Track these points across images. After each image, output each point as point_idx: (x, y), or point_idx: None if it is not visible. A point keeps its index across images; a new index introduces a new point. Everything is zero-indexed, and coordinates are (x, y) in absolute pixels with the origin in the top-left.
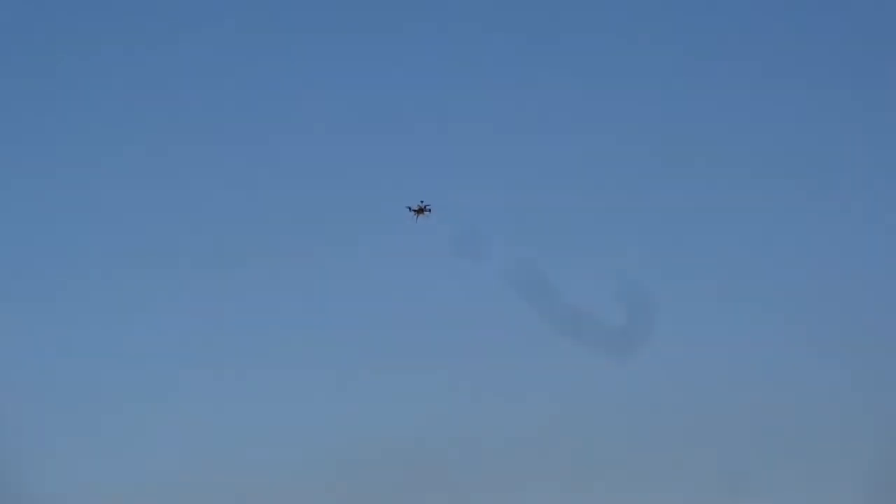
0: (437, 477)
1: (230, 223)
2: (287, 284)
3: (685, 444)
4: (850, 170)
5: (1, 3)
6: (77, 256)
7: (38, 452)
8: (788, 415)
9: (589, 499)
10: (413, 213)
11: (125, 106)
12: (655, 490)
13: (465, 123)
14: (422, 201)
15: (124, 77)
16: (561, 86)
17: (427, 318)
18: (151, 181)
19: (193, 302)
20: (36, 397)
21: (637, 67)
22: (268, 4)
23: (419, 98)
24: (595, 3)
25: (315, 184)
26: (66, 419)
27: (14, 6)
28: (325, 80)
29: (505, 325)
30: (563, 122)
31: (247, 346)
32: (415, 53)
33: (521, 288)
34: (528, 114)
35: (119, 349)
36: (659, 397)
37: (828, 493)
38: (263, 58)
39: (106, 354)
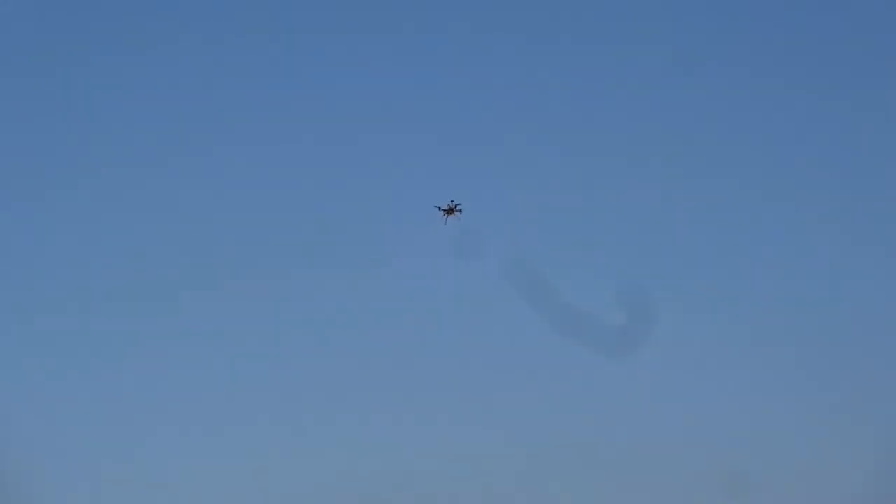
0: (435, 476)
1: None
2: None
3: (685, 444)
4: (850, 171)
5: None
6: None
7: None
8: (788, 414)
9: (589, 498)
10: (442, 212)
11: (122, 110)
12: (655, 490)
13: (466, 124)
14: (452, 201)
15: (122, 81)
16: (561, 85)
17: (427, 317)
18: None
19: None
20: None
21: (638, 68)
22: (268, 5)
23: (419, 98)
24: (596, 4)
25: (315, 185)
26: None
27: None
28: (325, 81)
29: (504, 325)
30: (563, 122)
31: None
32: (415, 54)
33: (521, 288)
34: (529, 114)
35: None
36: (659, 397)
37: (828, 493)
38: (262, 60)
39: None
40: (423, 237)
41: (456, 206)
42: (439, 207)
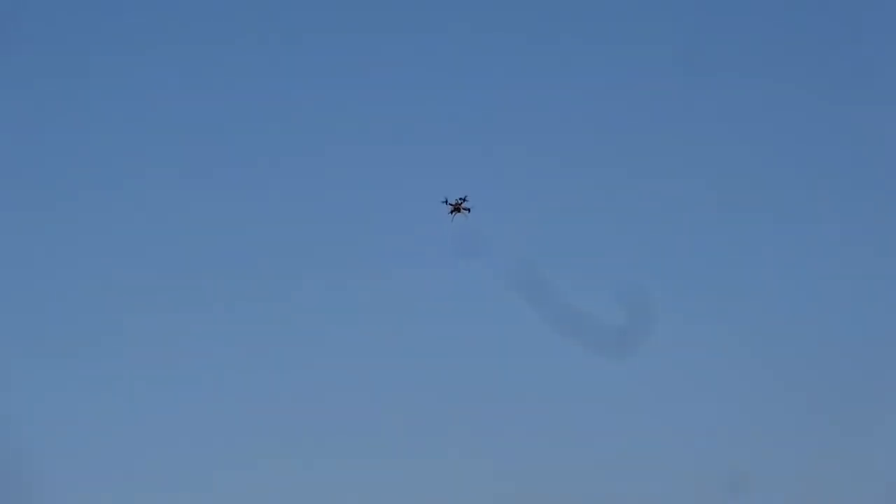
0: (435, 476)
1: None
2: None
3: (685, 445)
4: (850, 172)
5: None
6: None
7: None
8: (788, 415)
9: (589, 498)
10: (449, 207)
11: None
12: (655, 490)
13: (466, 125)
14: (461, 197)
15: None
16: (562, 87)
17: (426, 317)
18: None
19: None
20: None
21: (639, 69)
22: (266, 8)
23: (421, 100)
24: (597, 5)
25: (317, 186)
26: None
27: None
28: (327, 83)
29: (504, 325)
30: (564, 123)
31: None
32: (417, 56)
33: (521, 288)
34: (530, 115)
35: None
36: (659, 397)
37: (828, 493)
38: (261, 63)
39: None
40: (425, 237)
41: (463, 203)
42: (446, 201)
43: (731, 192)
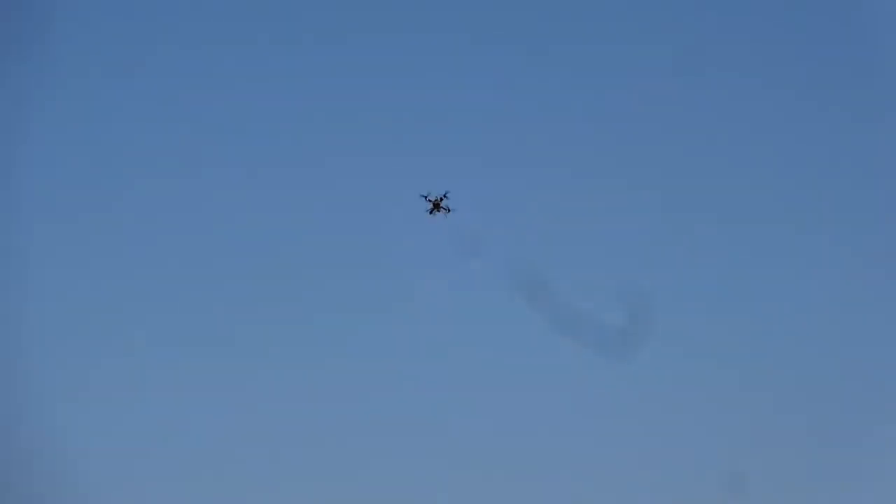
0: (435, 476)
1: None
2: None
3: (685, 445)
4: (851, 172)
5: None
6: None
7: None
8: (788, 414)
9: (588, 498)
10: (429, 204)
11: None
12: (655, 490)
13: (466, 124)
14: (443, 194)
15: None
16: (561, 86)
17: (426, 316)
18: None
19: None
20: None
21: (639, 69)
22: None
23: (419, 99)
24: (598, 5)
25: (318, 186)
26: None
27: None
28: (326, 82)
29: (504, 325)
30: (563, 123)
31: None
32: (416, 54)
33: (521, 288)
34: (529, 115)
35: None
36: (658, 398)
37: (828, 493)
38: (260, 68)
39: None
40: (423, 237)
41: (443, 201)
42: (426, 197)
43: (732, 192)
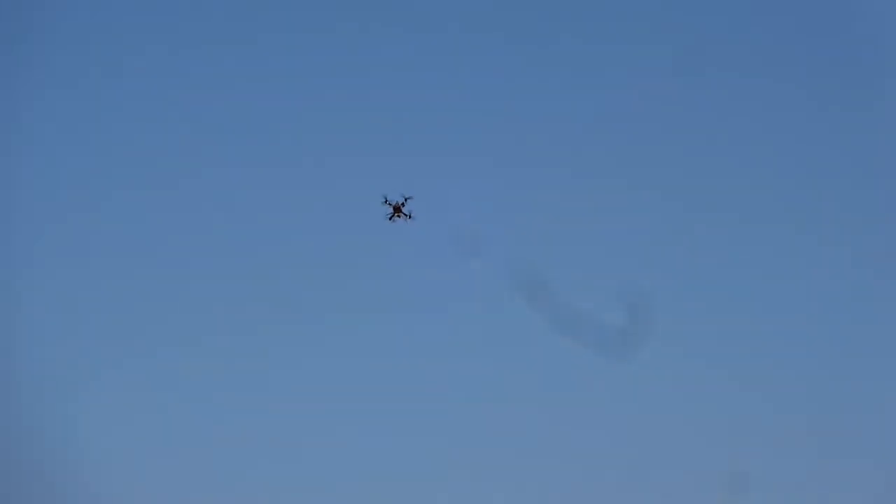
0: (435, 476)
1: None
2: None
3: (685, 444)
4: (851, 172)
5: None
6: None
7: None
8: (788, 414)
9: (588, 499)
10: (389, 208)
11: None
12: (655, 490)
13: (465, 124)
14: (406, 197)
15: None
16: (560, 84)
17: (426, 316)
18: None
19: None
20: None
21: (638, 68)
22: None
23: (418, 98)
24: (597, 5)
25: (317, 185)
26: None
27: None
28: (326, 82)
29: (503, 325)
30: (563, 122)
31: None
32: (414, 52)
33: (520, 288)
34: (528, 114)
35: None
36: (658, 397)
37: (828, 493)
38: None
39: None
40: (422, 237)
41: (404, 205)
42: (386, 200)
43: (732, 192)
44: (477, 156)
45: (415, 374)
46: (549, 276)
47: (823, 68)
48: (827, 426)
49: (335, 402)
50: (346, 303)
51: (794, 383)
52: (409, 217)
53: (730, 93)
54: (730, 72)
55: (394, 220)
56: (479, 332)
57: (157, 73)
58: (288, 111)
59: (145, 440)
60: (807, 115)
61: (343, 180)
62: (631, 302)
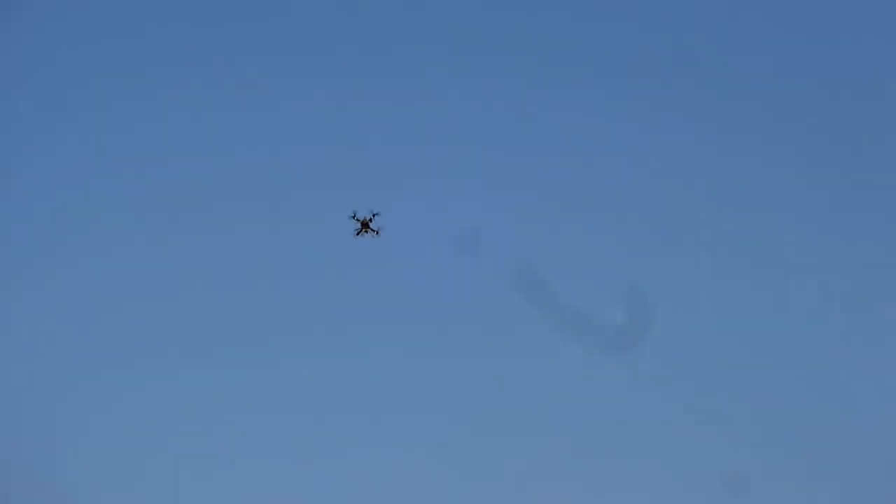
0: (436, 476)
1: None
2: None
3: (685, 444)
4: (851, 171)
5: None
6: None
7: None
8: (788, 414)
9: (588, 499)
10: (356, 224)
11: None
12: (655, 490)
13: (464, 123)
14: (372, 214)
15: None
16: (560, 86)
17: (426, 316)
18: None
19: None
20: None
21: (637, 68)
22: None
23: (419, 98)
24: (596, 5)
25: (316, 184)
26: None
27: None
28: (326, 82)
29: (503, 325)
30: (563, 121)
31: None
32: (414, 53)
33: (521, 287)
34: (528, 113)
35: None
36: (658, 397)
37: (828, 493)
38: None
39: None
40: (425, 237)
41: (371, 222)
42: (354, 216)
43: (732, 192)
44: (476, 155)
45: (414, 373)
46: (549, 275)
47: (825, 68)
48: (827, 426)
49: (334, 402)
50: (345, 302)
51: (794, 382)
52: (377, 233)
53: (729, 93)
54: (729, 72)
55: (361, 236)
56: (479, 332)
57: (152, 72)
58: (288, 111)
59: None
60: (807, 116)
61: (342, 179)
62: (631, 301)
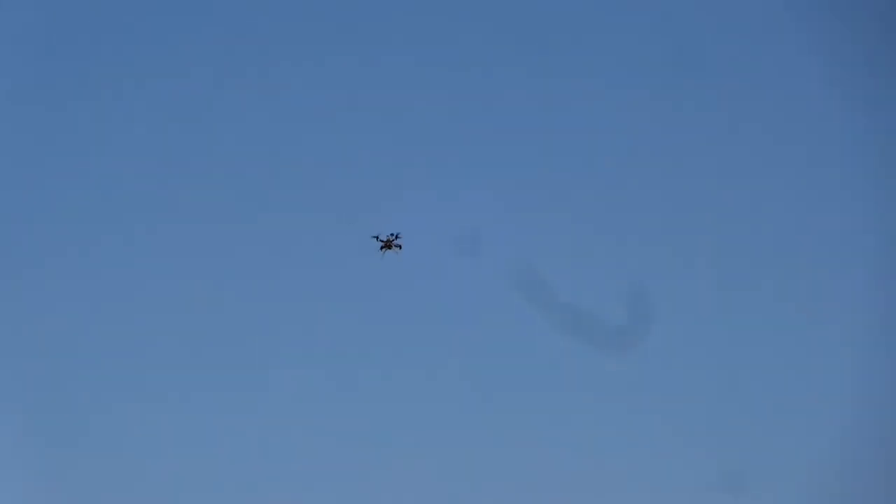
0: (436, 476)
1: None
2: None
3: (684, 444)
4: (850, 170)
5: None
6: None
7: None
8: (788, 413)
9: (587, 499)
10: (380, 244)
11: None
12: (654, 489)
13: (464, 122)
14: (392, 234)
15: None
16: (560, 85)
17: (426, 316)
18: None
19: None
20: None
21: (637, 66)
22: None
23: (418, 98)
24: (596, 5)
25: (316, 182)
26: None
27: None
28: (326, 81)
29: (503, 325)
30: (563, 120)
31: None
32: (416, 51)
33: (521, 287)
34: (528, 112)
35: None
36: (658, 397)
37: (828, 493)
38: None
39: None
40: (423, 236)
41: (395, 239)
42: (377, 238)
43: (733, 192)
44: (476, 154)
45: (414, 373)
46: (549, 274)
47: (825, 67)
48: (828, 427)
49: (334, 402)
50: (345, 303)
51: (795, 382)
52: (400, 248)
53: (729, 93)
54: (729, 71)
55: (384, 252)
56: (479, 332)
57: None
58: (287, 111)
59: None
60: (808, 115)
61: (341, 178)
62: (631, 301)
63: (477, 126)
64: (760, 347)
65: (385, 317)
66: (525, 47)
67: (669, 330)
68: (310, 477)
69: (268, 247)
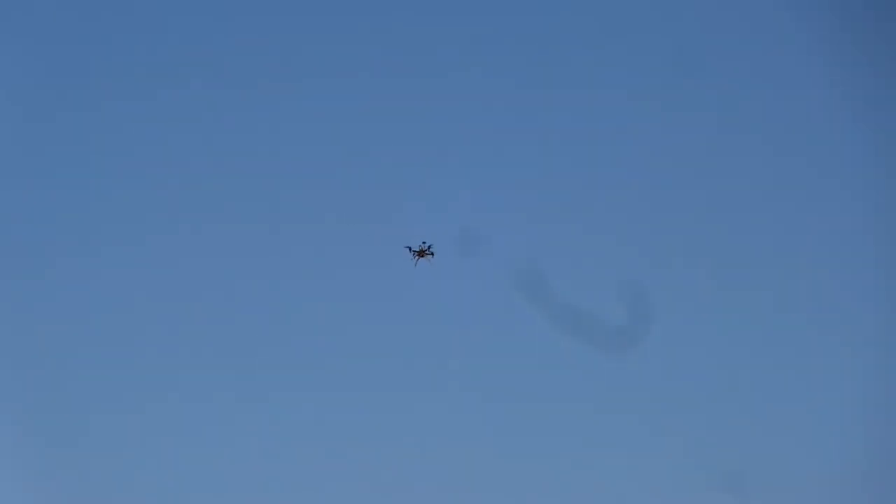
0: (435, 476)
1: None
2: None
3: (684, 444)
4: (850, 170)
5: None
6: None
7: None
8: (788, 413)
9: (587, 499)
10: (413, 254)
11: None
12: (654, 489)
13: (464, 122)
14: (424, 242)
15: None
16: (560, 85)
17: (426, 316)
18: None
19: None
20: None
21: (637, 65)
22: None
23: (419, 98)
24: (595, 9)
25: (317, 181)
26: None
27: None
28: (326, 81)
29: (504, 325)
30: (562, 119)
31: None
32: (416, 51)
33: (521, 287)
34: (528, 111)
35: None
36: (658, 396)
37: (828, 493)
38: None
39: None
40: (422, 236)
41: (428, 249)
42: (410, 248)
43: (733, 192)
44: (476, 155)
45: (413, 373)
46: (549, 274)
47: (826, 66)
48: (828, 426)
49: (333, 402)
50: (345, 303)
51: (795, 382)
52: (433, 255)
53: (729, 93)
54: (729, 71)
55: (416, 261)
56: (479, 332)
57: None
58: (288, 111)
59: None
60: (808, 116)
61: (341, 178)
62: (631, 300)
63: (477, 126)
64: (760, 347)
65: (385, 317)
66: (525, 47)
67: (669, 330)
68: (310, 477)
69: (267, 248)
